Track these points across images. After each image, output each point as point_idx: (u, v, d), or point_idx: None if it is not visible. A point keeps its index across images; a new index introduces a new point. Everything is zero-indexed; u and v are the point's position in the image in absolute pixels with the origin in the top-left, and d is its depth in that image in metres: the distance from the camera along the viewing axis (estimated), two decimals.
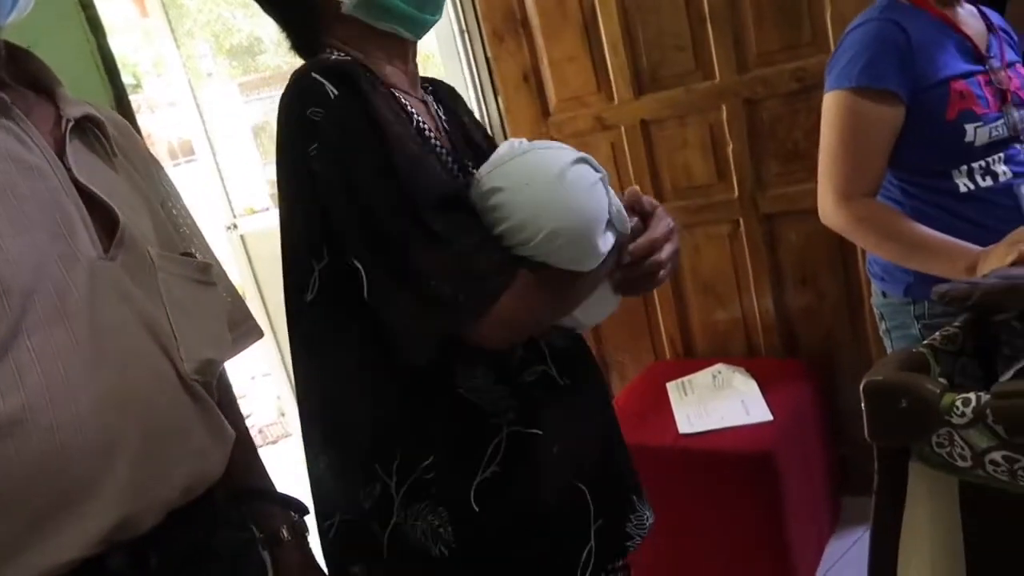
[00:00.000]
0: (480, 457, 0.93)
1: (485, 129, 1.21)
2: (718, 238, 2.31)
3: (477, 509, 0.92)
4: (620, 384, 2.62)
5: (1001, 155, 1.37)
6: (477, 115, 2.54)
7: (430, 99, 1.07)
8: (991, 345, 0.86)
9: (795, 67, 2.04)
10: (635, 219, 0.98)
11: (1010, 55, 1.45)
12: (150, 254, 0.80)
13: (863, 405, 0.73)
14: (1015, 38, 1.51)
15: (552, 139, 2.46)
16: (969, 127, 1.34)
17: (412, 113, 0.95)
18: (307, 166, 0.85)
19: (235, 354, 0.98)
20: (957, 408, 0.66)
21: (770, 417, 1.98)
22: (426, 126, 0.97)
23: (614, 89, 2.30)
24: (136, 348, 0.75)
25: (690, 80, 2.20)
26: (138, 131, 1.59)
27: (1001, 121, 1.36)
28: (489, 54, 2.45)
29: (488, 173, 0.89)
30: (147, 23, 3.57)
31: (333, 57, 0.93)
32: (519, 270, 0.87)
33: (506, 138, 2.54)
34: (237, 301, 1.01)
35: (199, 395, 0.80)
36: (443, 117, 1.07)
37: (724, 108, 2.17)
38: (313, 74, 0.86)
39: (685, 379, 2.28)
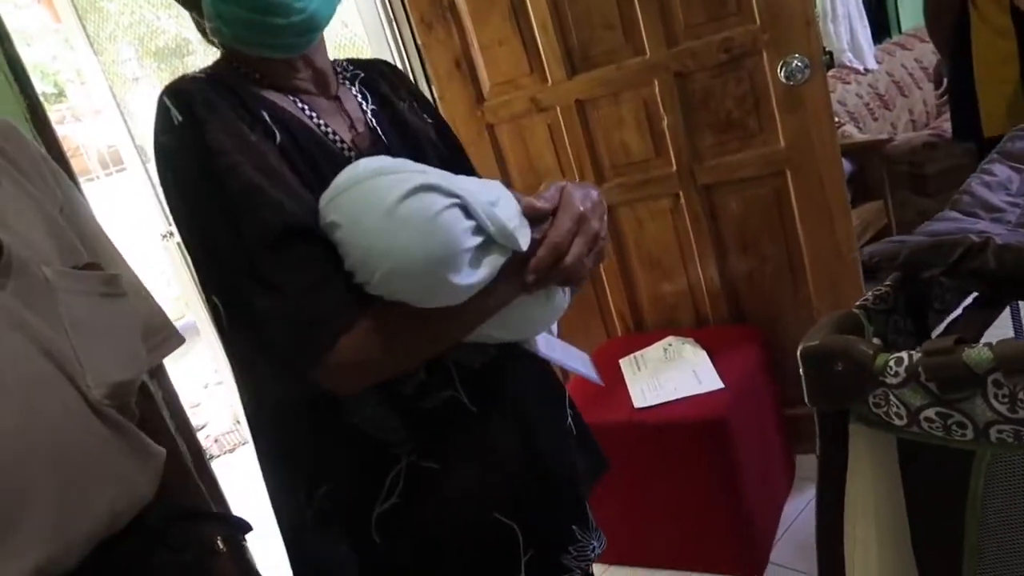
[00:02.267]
0: (378, 488, 0.89)
1: (434, 109, 1.12)
2: (660, 212, 2.33)
3: (378, 540, 0.89)
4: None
5: None
6: None
7: (352, 92, 1.00)
8: (921, 301, 0.89)
9: (722, 38, 2.06)
10: (545, 226, 0.87)
11: None
12: (45, 274, 0.74)
13: (801, 370, 0.75)
14: None
15: (489, 125, 2.47)
16: None
17: (300, 121, 0.89)
18: (168, 195, 0.84)
19: (154, 364, 0.94)
20: (891, 368, 0.68)
21: (721, 384, 2.01)
22: (328, 130, 0.91)
23: (547, 70, 2.30)
24: (37, 378, 0.70)
25: (621, 57, 2.20)
26: (56, 142, 1.54)
27: None
28: (419, 42, 2.42)
29: (326, 203, 0.81)
30: (65, 30, 3.45)
31: (191, 74, 0.89)
32: (362, 311, 0.80)
33: None
34: (153, 309, 0.95)
35: (114, 420, 0.76)
36: (371, 110, 1.00)
37: (656, 83, 2.18)
38: (164, 97, 0.83)
39: (637, 354, 2.30)
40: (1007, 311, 0.95)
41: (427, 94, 2.50)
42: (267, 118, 0.85)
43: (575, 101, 2.29)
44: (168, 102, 0.81)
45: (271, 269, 0.78)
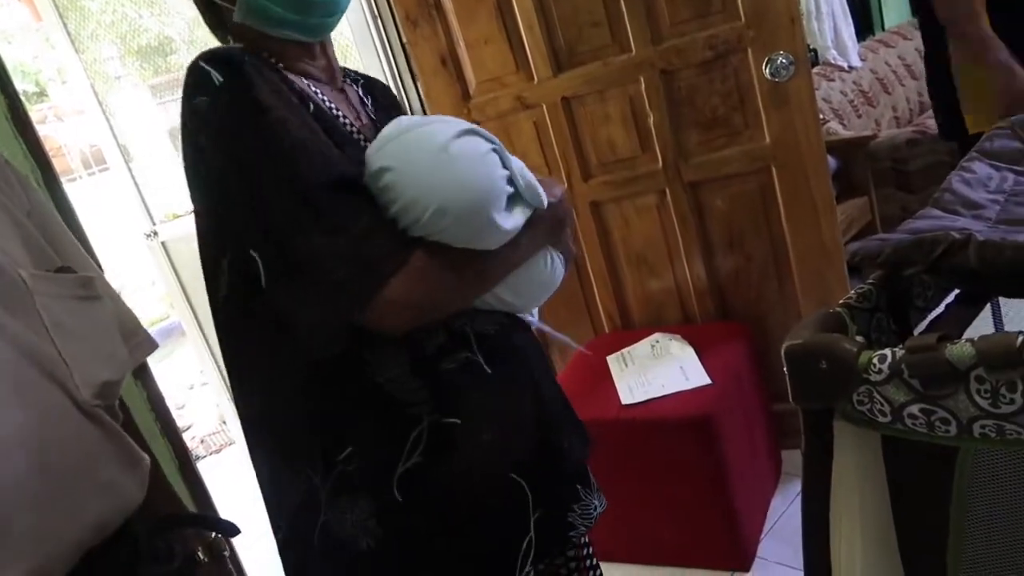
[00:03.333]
0: (400, 447, 0.91)
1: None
2: (646, 209, 2.33)
3: (401, 500, 0.91)
4: (562, 362, 2.64)
5: None
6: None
7: (355, 90, 1.07)
8: (903, 299, 0.89)
9: (707, 35, 2.07)
10: (557, 189, 0.98)
11: None
12: (22, 278, 0.73)
13: (785, 369, 0.75)
14: None
15: (476, 122, 2.46)
16: None
17: (318, 99, 0.94)
18: (201, 157, 0.85)
19: (134, 366, 0.93)
20: (874, 365, 0.68)
21: (708, 380, 2.02)
22: (340, 113, 0.97)
23: (533, 68, 2.30)
24: (23, 383, 0.69)
25: (607, 54, 2.21)
26: (38, 142, 1.52)
27: None
28: (404, 40, 2.42)
29: (375, 152, 0.88)
30: (46, 28, 3.42)
31: (225, 46, 0.93)
32: (412, 252, 0.86)
33: None
34: (126, 313, 0.94)
35: (103, 421, 0.75)
36: (371, 108, 1.07)
37: (642, 80, 2.18)
38: (200, 63, 0.86)
39: (624, 351, 2.31)
40: (988, 308, 0.96)
41: (414, 92, 2.50)
42: (297, 89, 0.92)
43: (561, 98, 2.29)
44: (206, 66, 0.85)
45: (329, 209, 0.82)
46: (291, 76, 0.94)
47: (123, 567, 0.76)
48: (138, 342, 0.94)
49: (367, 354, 0.90)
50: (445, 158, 0.84)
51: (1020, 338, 0.59)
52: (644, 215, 2.35)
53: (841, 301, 0.83)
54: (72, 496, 0.70)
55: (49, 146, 1.66)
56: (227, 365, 0.98)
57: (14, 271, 0.72)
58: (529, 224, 0.93)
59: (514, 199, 0.89)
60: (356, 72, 1.14)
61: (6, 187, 0.82)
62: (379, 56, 2.45)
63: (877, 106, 3.91)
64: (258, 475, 1.00)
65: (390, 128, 0.90)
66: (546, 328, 1.15)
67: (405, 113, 1.16)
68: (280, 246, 0.83)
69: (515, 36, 2.28)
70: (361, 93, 1.08)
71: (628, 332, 2.47)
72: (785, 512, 2.20)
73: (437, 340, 0.94)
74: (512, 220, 0.88)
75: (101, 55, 3.72)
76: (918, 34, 2.25)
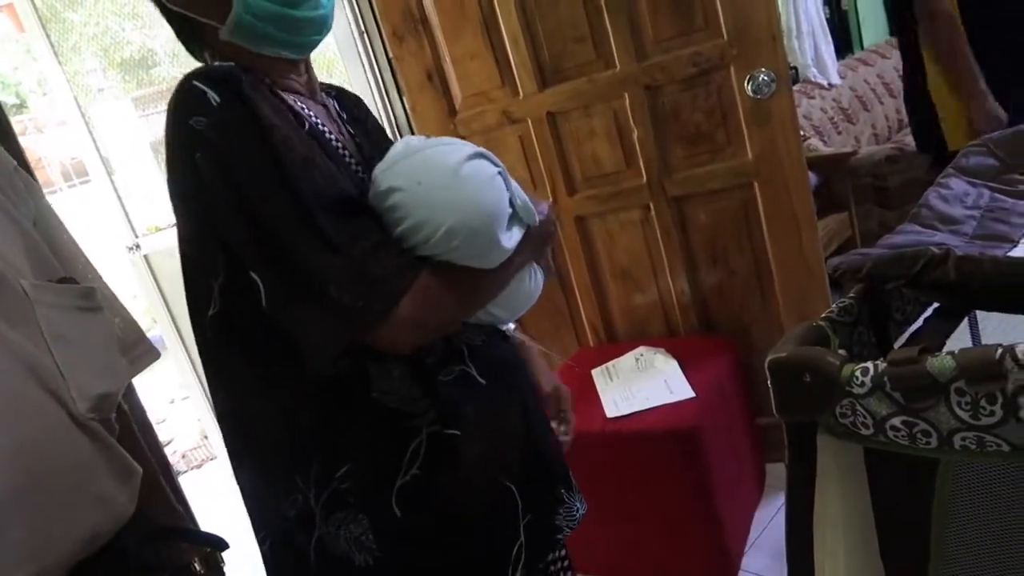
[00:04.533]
0: (399, 461, 0.91)
1: (387, 136, 1.21)
2: (630, 224, 2.35)
3: (399, 514, 0.91)
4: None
5: None
6: (383, 118, 2.52)
7: (332, 103, 1.07)
8: (883, 313, 0.91)
9: (691, 52, 2.09)
10: (544, 205, 1.00)
11: None
12: (23, 288, 0.73)
13: (769, 382, 0.76)
14: None
15: (461, 137, 2.46)
16: None
17: (308, 116, 0.94)
18: (195, 178, 0.83)
19: (133, 377, 0.93)
20: (856, 378, 0.69)
21: (692, 394, 2.03)
22: (326, 129, 0.96)
23: (518, 83, 2.31)
24: (19, 395, 0.69)
25: (591, 70, 2.23)
26: (19, 153, 1.51)
27: None
28: (390, 55, 2.43)
29: (383, 172, 0.89)
30: (28, 40, 3.39)
31: (216, 64, 0.91)
32: (420, 271, 0.87)
33: None
34: (129, 323, 0.95)
35: (97, 434, 0.75)
36: (347, 121, 1.07)
37: (626, 96, 2.20)
38: (194, 82, 0.84)
39: (609, 364, 2.32)
40: (965, 321, 0.97)
41: (400, 107, 2.50)
42: (291, 108, 0.92)
43: (546, 114, 2.31)
44: (202, 86, 0.83)
45: (335, 231, 0.82)
46: (280, 93, 0.94)
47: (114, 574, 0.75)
48: (140, 353, 0.95)
49: (371, 367, 0.90)
50: (457, 180, 0.86)
51: (999, 351, 0.60)
52: (628, 229, 2.36)
53: (823, 315, 0.84)
54: (65, 508, 0.70)
55: (29, 158, 1.65)
56: (210, 383, 0.97)
57: (16, 281, 0.72)
58: (522, 241, 0.95)
59: (512, 218, 0.91)
60: (328, 85, 1.13)
61: (13, 195, 0.82)
62: (365, 71, 2.46)
63: (856, 123, 3.96)
64: (243, 492, 0.99)
65: (399, 148, 0.90)
66: (526, 338, 1.18)
67: (376, 124, 1.18)
68: (285, 268, 0.82)
69: (501, 51, 2.30)
70: (337, 107, 1.09)
71: (612, 345, 2.48)
72: (769, 525, 2.21)
73: (436, 352, 0.95)
74: (512, 239, 0.91)
75: (84, 67, 3.71)
76: (896, 53, 2.29)
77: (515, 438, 1.03)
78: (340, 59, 2.48)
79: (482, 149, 0.91)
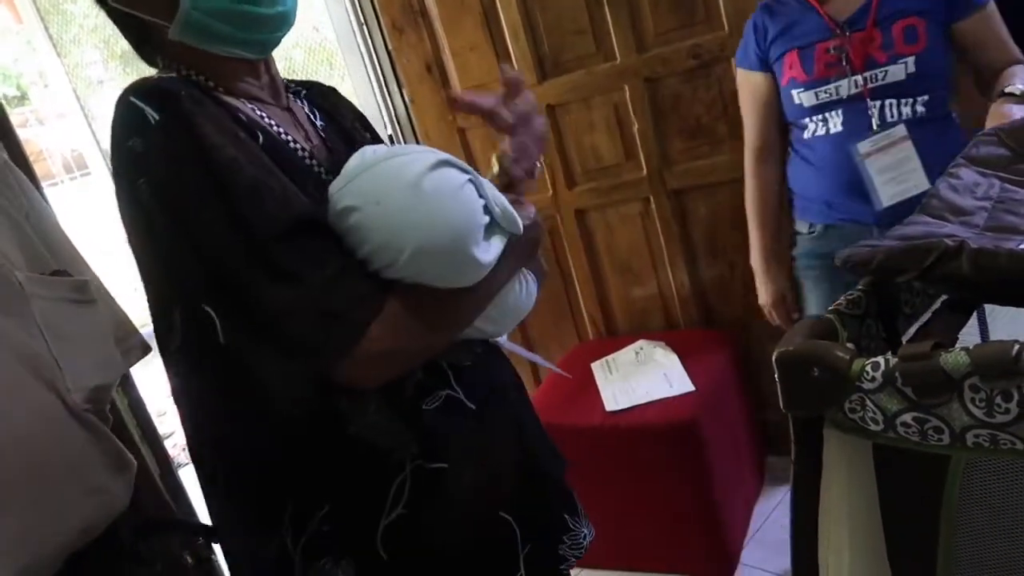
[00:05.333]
0: (382, 500, 0.84)
1: (376, 132, 1.13)
2: (630, 217, 2.34)
3: (386, 557, 0.84)
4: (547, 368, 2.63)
5: (840, 111, 1.57)
6: (382, 110, 2.50)
7: (301, 105, 0.99)
8: (892, 305, 0.90)
9: (691, 44, 2.08)
10: (530, 209, 0.91)
11: (897, 5, 1.51)
12: (18, 280, 0.72)
13: (776, 376, 0.75)
14: None
15: (461, 130, 2.46)
16: (795, 92, 1.60)
17: (268, 125, 0.86)
18: (138, 205, 0.76)
19: (127, 370, 0.92)
20: (867, 373, 0.68)
21: (692, 387, 2.03)
22: (288, 137, 0.88)
23: None
24: (15, 385, 0.68)
25: (591, 63, 2.21)
26: (19, 146, 1.50)
27: (832, 85, 1.55)
28: (390, 47, 2.41)
29: (339, 190, 0.80)
30: (27, 32, 3.36)
31: (156, 75, 0.84)
32: (387, 298, 0.79)
33: (414, 132, 2.51)
34: (120, 317, 0.93)
35: (93, 425, 0.74)
36: (319, 124, 0.98)
37: (627, 88, 2.19)
38: (131, 98, 0.77)
39: (609, 358, 2.31)
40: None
41: (399, 99, 2.49)
42: (244, 119, 0.83)
43: (546, 106, 2.29)
44: (139, 103, 0.76)
45: (286, 261, 0.74)
46: (234, 101, 0.85)
47: (107, 570, 0.75)
48: (131, 346, 0.93)
49: (343, 404, 0.82)
50: (418, 195, 0.77)
51: (1016, 347, 0.59)
52: (628, 222, 2.35)
53: (831, 307, 0.83)
54: (60, 499, 0.69)
55: (30, 150, 1.63)
56: (181, 419, 0.90)
57: (10, 273, 0.72)
58: (506, 251, 0.87)
59: (491, 227, 0.83)
60: (298, 83, 1.05)
61: (6, 189, 0.81)
62: (365, 63, 2.44)
63: None
64: (219, 535, 0.92)
65: (354, 162, 0.81)
66: (519, 350, 1.09)
67: (356, 111, 1.09)
68: (237, 303, 0.75)
69: (500, 44, 2.28)
70: (307, 108, 0.99)
71: (612, 339, 2.47)
72: (768, 518, 2.20)
73: (414, 378, 0.87)
74: (491, 252, 0.82)
75: (84, 59, 3.68)
76: None
77: (510, 464, 0.95)
78: (339, 51, 2.46)
79: (448, 156, 0.82)
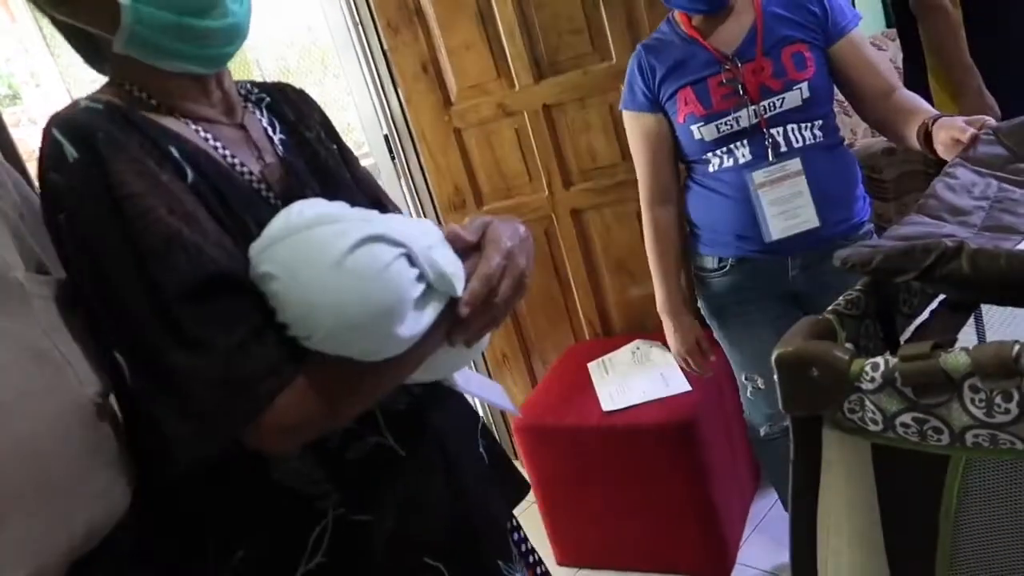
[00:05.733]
0: (301, 547, 0.81)
1: (343, 142, 1.05)
2: (626, 216, 2.33)
3: None
4: (543, 369, 2.63)
5: (744, 141, 1.56)
6: (377, 110, 2.50)
7: (260, 118, 0.93)
8: (890, 305, 0.90)
9: None
10: (470, 264, 0.83)
11: (780, 33, 1.53)
12: (19, 279, 0.71)
13: (775, 377, 0.75)
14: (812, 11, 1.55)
15: (456, 129, 2.45)
16: (694, 127, 1.58)
17: (209, 150, 0.82)
18: (58, 238, 0.75)
19: None
20: (866, 374, 0.68)
21: (688, 387, 2.03)
22: (236, 161, 0.84)
23: (514, 75, 2.29)
24: (26, 388, 0.67)
25: (587, 63, 2.21)
26: (11, 146, 1.49)
27: (732, 116, 1.54)
28: (385, 46, 2.40)
29: (259, 253, 0.75)
30: (20, 32, 3.34)
31: (86, 99, 0.80)
32: (299, 368, 0.75)
33: (410, 131, 2.50)
34: None
35: (101, 426, 0.73)
36: (279, 138, 0.93)
37: (622, 89, 2.18)
38: (54, 130, 0.73)
39: (605, 358, 2.31)
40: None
41: (395, 98, 2.48)
42: (175, 154, 0.78)
43: (543, 106, 2.29)
44: (59, 137, 0.73)
45: (193, 324, 0.71)
46: (174, 125, 0.81)
47: (109, 571, 0.74)
48: None
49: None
50: (338, 276, 0.72)
51: (1016, 348, 0.59)
52: (625, 222, 2.35)
53: (830, 308, 0.83)
54: (67, 502, 0.68)
55: (23, 150, 1.63)
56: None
57: (9, 272, 0.71)
58: (442, 316, 0.80)
59: (427, 295, 0.78)
60: (262, 88, 0.99)
61: (0, 188, 0.79)
62: (360, 62, 2.43)
63: (852, 115, 3.95)
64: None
65: (279, 223, 0.75)
66: (472, 391, 1.03)
67: (323, 119, 1.03)
68: (143, 359, 0.72)
69: (496, 43, 2.28)
70: (266, 121, 0.94)
71: (609, 339, 2.47)
72: (765, 517, 2.21)
73: (340, 431, 0.84)
74: (421, 322, 0.77)
75: (77, 59, 3.65)
76: (893, 44, 2.27)
77: (442, 512, 0.92)
78: (335, 50, 2.45)
79: (382, 231, 0.75)
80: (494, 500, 1.01)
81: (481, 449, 1.04)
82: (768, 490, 2.29)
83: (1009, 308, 0.91)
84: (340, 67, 2.49)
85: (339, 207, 0.78)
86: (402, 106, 2.48)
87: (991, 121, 1.16)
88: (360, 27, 2.40)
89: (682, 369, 1.94)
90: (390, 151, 2.56)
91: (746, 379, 1.78)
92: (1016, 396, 0.60)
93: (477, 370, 2.51)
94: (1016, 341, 0.59)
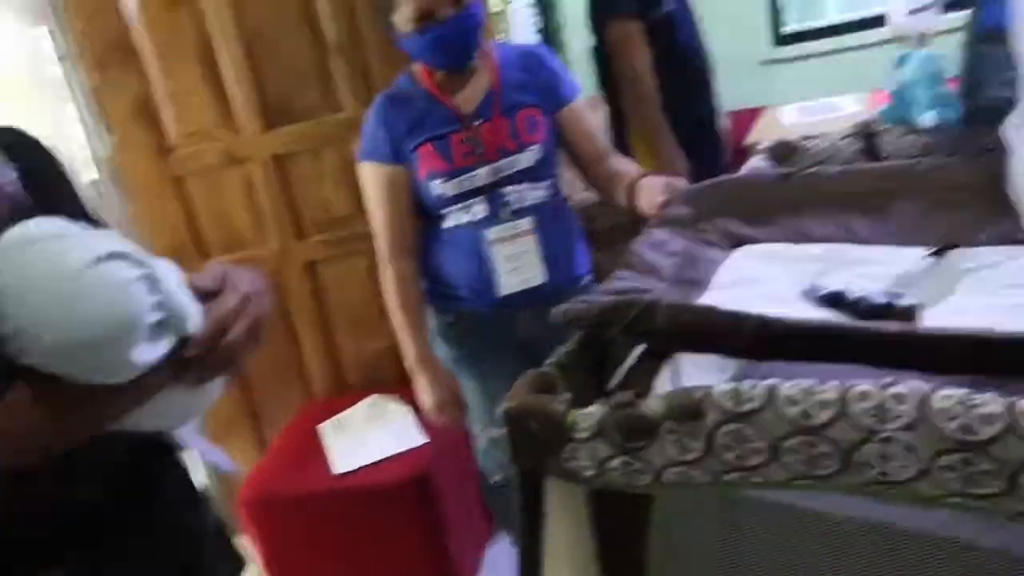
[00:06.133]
0: None
1: (73, 188, 0.97)
2: (360, 270, 2.31)
3: None
4: (273, 432, 2.50)
5: (481, 198, 1.62)
6: (88, 152, 2.26)
7: None
8: (601, 355, 0.97)
9: None
10: (207, 307, 0.82)
11: (516, 97, 1.65)
12: None
13: (505, 431, 0.77)
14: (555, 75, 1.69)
15: (177, 177, 2.29)
16: (435, 183, 1.61)
17: None
18: None
19: None
20: (579, 424, 0.73)
21: (424, 440, 2.03)
22: None
23: (241, 123, 2.21)
24: None
25: (320, 113, 2.19)
26: None
27: (471, 173, 1.60)
28: (92, 84, 2.20)
29: None
30: None
31: None
32: (11, 385, 0.71)
33: (122, 177, 2.30)
34: None
35: None
36: (15, 187, 0.85)
37: (357, 140, 2.18)
38: None
39: (338, 416, 2.25)
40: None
41: (103, 141, 2.27)
42: None
43: (272, 156, 2.22)
44: None
45: None
46: None
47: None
48: None
49: None
50: (74, 287, 0.69)
51: (700, 393, 0.66)
52: (358, 275, 2.32)
53: (551, 360, 0.87)
54: None
55: None
56: None
57: None
58: (174, 351, 0.78)
59: (161, 326, 0.75)
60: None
61: None
62: (73, 101, 2.20)
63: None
64: None
65: (14, 234, 0.71)
66: (196, 447, 1.00)
67: (66, 175, 0.96)
68: None
69: (221, 89, 2.18)
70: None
71: (344, 396, 2.41)
72: (498, 563, 2.25)
73: (46, 479, 0.79)
74: (153, 352, 0.74)
75: None
76: (605, 107, 2.55)
77: (168, 570, 0.91)
78: (32, 87, 2.19)
79: (127, 249, 0.73)
80: (224, 563, 1.01)
81: (205, 519, 1.02)
82: (502, 535, 2.34)
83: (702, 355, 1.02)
84: (41, 106, 2.24)
85: (82, 225, 0.74)
86: (112, 149, 2.27)
87: (682, 184, 1.33)
88: (67, 62, 2.18)
89: (428, 423, 1.93)
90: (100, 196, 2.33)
91: (481, 430, 1.82)
92: (702, 436, 0.67)
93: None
94: (700, 387, 0.66)
